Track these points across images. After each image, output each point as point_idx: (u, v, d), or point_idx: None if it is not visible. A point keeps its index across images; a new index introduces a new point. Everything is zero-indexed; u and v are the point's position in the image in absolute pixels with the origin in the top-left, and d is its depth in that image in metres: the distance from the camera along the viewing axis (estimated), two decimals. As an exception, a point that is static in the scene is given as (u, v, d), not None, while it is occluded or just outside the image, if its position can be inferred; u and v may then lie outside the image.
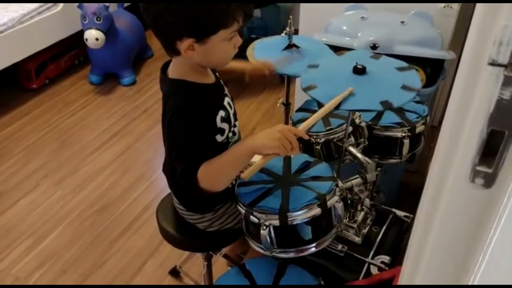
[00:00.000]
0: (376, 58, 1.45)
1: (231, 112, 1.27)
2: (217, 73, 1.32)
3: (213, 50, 1.13)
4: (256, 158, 1.27)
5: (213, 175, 1.16)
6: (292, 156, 1.40)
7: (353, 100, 1.27)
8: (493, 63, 0.44)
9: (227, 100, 1.27)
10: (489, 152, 0.48)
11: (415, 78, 1.35)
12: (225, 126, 1.24)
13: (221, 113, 1.22)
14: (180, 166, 1.19)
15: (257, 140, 1.15)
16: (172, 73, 1.22)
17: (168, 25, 1.09)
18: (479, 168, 0.50)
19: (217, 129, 1.22)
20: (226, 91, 1.31)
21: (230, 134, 1.27)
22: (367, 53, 1.51)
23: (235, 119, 1.30)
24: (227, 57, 1.20)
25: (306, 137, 1.19)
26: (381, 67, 1.39)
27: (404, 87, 1.29)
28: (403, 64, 1.41)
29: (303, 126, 1.23)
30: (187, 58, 1.13)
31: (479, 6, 0.45)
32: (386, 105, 1.23)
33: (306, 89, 1.32)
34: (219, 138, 1.24)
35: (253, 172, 1.17)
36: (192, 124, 1.15)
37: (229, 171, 1.18)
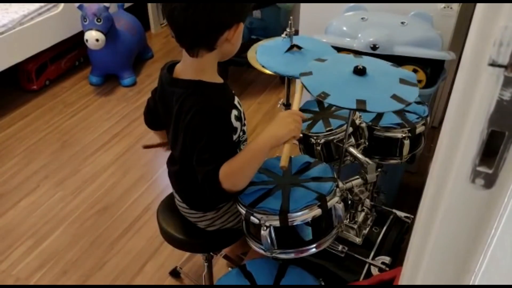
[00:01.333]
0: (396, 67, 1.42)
1: (241, 110, 1.28)
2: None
3: (241, 33, 1.18)
4: None
5: (235, 175, 1.15)
6: (292, 156, 1.40)
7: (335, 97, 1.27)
8: (493, 64, 0.44)
9: (236, 99, 1.28)
10: (489, 152, 0.49)
11: (411, 93, 1.31)
12: (237, 125, 1.24)
13: (234, 112, 1.22)
14: (203, 170, 1.16)
15: (273, 133, 1.16)
16: (185, 74, 1.21)
17: (216, 20, 1.10)
18: (480, 168, 0.50)
19: (233, 128, 1.22)
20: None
21: (241, 133, 1.27)
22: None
23: (244, 118, 1.31)
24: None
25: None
26: (385, 75, 1.38)
27: (395, 97, 1.26)
28: (410, 78, 1.35)
29: (295, 107, 1.25)
30: (221, 51, 1.16)
31: (479, 7, 0.45)
32: (361, 105, 1.22)
33: (302, 74, 1.33)
34: (233, 137, 1.24)
35: (288, 158, 1.16)
36: (215, 125, 1.16)
37: (250, 169, 1.18)
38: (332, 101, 1.25)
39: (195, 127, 1.16)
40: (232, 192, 1.17)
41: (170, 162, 1.42)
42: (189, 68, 1.21)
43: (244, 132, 1.30)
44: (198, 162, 1.17)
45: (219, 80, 1.25)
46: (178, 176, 1.40)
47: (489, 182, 0.50)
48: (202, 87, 1.18)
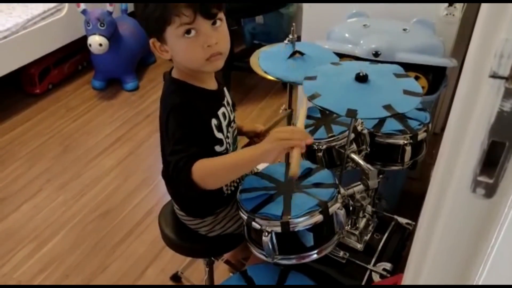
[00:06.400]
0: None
1: (224, 123, 1.28)
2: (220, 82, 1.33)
3: (174, 48, 1.16)
4: (261, 166, 1.27)
5: (209, 171, 1.11)
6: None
7: (359, 109, 1.26)
8: (494, 76, 0.45)
9: (222, 110, 1.28)
10: (490, 162, 0.49)
11: (414, 84, 1.34)
12: (220, 136, 1.25)
13: (214, 121, 1.23)
14: (174, 158, 1.12)
15: (259, 148, 1.12)
16: (174, 73, 1.26)
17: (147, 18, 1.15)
18: (480, 178, 0.50)
19: (215, 139, 1.23)
20: (226, 102, 1.32)
21: (228, 146, 1.29)
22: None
23: (228, 131, 1.30)
24: (195, 56, 1.15)
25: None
26: (380, 74, 1.39)
27: (406, 92, 1.29)
28: (401, 70, 1.41)
29: (299, 125, 1.24)
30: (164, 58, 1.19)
31: (480, 19, 0.46)
32: (390, 110, 1.22)
33: (310, 98, 1.33)
34: (218, 148, 1.25)
35: (298, 165, 1.13)
36: (188, 122, 1.17)
37: (226, 172, 1.15)
38: (320, 103, 1.27)
39: (172, 124, 1.16)
40: (198, 188, 1.11)
41: (163, 170, 1.42)
42: (174, 69, 1.26)
43: (230, 145, 1.31)
44: (171, 152, 1.13)
45: (208, 87, 1.26)
46: (166, 178, 1.41)
47: (490, 191, 0.50)
48: (181, 87, 1.21)
